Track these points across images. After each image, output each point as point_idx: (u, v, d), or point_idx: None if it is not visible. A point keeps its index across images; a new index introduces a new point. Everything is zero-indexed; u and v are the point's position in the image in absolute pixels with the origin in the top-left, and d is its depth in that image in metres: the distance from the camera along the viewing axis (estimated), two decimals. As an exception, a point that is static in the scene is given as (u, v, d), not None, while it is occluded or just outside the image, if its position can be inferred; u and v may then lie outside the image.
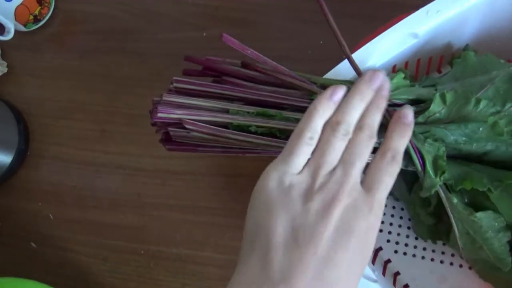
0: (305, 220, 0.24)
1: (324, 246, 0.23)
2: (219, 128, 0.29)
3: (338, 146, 0.26)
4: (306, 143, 0.26)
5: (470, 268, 0.41)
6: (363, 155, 0.26)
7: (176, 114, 0.28)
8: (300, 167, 0.26)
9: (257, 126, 0.29)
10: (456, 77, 0.36)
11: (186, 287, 0.49)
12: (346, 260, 0.23)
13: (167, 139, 0.30)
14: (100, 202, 0.53)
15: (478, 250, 0.32)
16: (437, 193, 0.31)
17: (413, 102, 0.33)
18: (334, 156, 0.26)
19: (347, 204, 0.24)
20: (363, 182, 0.26)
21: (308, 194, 0.25)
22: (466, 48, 0.40)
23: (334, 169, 0.25)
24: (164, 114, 0.28)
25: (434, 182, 0.30)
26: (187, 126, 0.28)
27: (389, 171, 0.26)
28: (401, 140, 0.27)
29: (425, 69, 0.43)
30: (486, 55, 0.36)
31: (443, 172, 0.30)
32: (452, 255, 0.41)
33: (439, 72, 0.45)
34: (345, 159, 0.26)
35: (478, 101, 0.30)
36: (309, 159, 0.26)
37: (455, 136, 0.31)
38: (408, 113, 0.28)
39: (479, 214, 0.30)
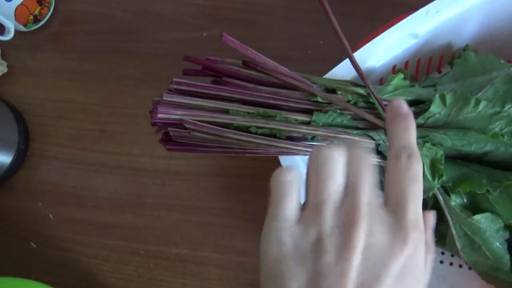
0: (324, 280, 0.19)
1: None
2: (219, 128, 0.29)
3: (334, 168, 0.20)
4: (289, 181, 0.21)
5: (470, 268, 0.41)
6: (370, 169, 0.21)
7: (176, 115, 0.28)
8: (295, 214, 0.21)
9: (257, 127, 0.29)
10: (456, 77, 0.36)
11: (186, 287, 0.49)
12: None
13: (167, 139, 0.30)
14: (100, 202, 0.53)
15: (477, 251, 0.32)
16: (434, 195, 0.31)
17: (413, 103, 0.33)
18: (333, 183, 0.20)
19: (370, 242, 0.19)
20: (385, 203, 0.21)
21: (318, 246, 0.19)
22: (466, 48, 0.40)
23: (340, 198, 0.20)
24: (164, 114, 0.28)
25: (432, 185, 0.30)
26: (187, 126, 0.28)
27: (412, 176, 0.21)
28: (409, 134, 0.22)
29: (425, 69, 0.43)
30: (486, 55, 0.36)
31: (441, 176, 0.30)
32: (452, 255, 0.41)
33: (439, 72, 0.45)
34: (350, 184, 0.20)
35: (477, 102, 0.30)
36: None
37: (453, 141, 0.31)
38: (401, 102, 0.24)
39: (477, 217, 0.30)
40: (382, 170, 0.39)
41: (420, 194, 0.21)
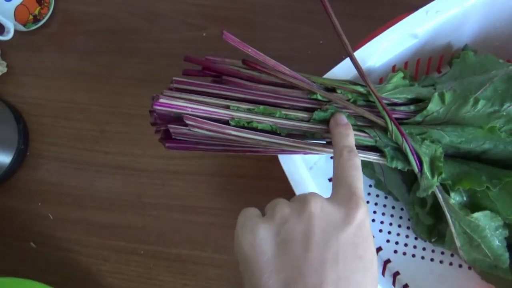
0: (291, 243, 0.23)
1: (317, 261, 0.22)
2: (220, 124, 0.29)
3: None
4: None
5: (469, 268, 0.41)
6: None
7: (178, 102, 0.28)
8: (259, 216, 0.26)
9: (258, 122, 0.29)
10: (455, 76, 0.36)
11: (186, 287, 0.49)
12: (344, 271, 0.22)
13: (166, 137, 0.30)
14: (100, 202, 0.53)
15: (476, 249, 0.32)
16: (433, 193, 0.31)
17: (412, 101, 0.33)
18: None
19: (324, 213, 0.24)
20: (333, 194, 0.26)
21: (282, 221, 0.24)
22: (465, 48, 0.40)
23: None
24: (166, 100, 0.28)
25: (431, 183, 0.30)
26: (187, 122, 0.28)
27: (352, 165, 0.26)
28: (348, 137, 0.28)
29: (424, 69, 0.43)
30: (485, 55, 0.36)
31: (440, 173, 0.30)
32: (452, 255, 0.41)
33: (439, 72, 0.45)
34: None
35: (476, 101, 0.30)
36: None
37: (451, 137, 0.31)
38: (341, 116, 0.30)
39: (476, 215, 0.30)
40: (380, 167, 0.39)
41: (361, 179, 0.26)
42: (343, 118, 0.30)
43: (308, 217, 0.23)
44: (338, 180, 0.26)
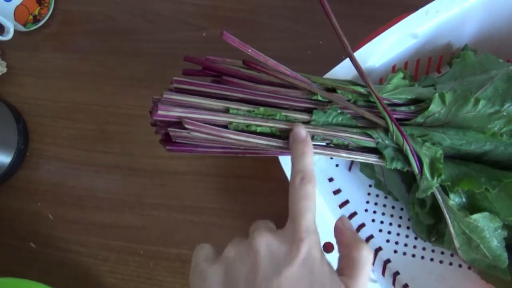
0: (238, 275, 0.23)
1: None
2: (219, 128, 0.29)
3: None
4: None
5: (469, 268, 0.41)
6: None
7: (176, 112, 0.28)
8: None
9: (257, 125, 0.29)
10: (455, 76, 0.36)
11: (186, 287, 0.49)
12: None
13: (167, 140, 0.30)
14: (100, 203, 0.53)
15: (475, 249, 0.32)
16: (433, 193, 0.32)
17: (413, 101, 0.33)
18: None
19: (270, 249, 0.23)
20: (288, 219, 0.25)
21: (229, 262, 0.24)
22: (465, 48, 0.40)
23: None
24: (164, 111, 0.28)
25: (431, 184, 0.30)
26: (187, 126, 0.28)
27: (303, 195, 0.24)
28: (304, 158, 0.26)
29: (424, 69, 0.43)
30: (485, 55, 0.36)
31: (440, 175, 0.30)
32: (452, 255, 0.41)
33: (439, 72, 0.45)
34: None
35: (477, 101, 0.30)
36: None
37: (452, 140, 0.31)
38: (299, 130, 0.28)
39: (475, 216, 0.30)
40: (380, 168, 0.39)
41: (312, 208, 0.24)
42: (300, 132, 0.28)
43: (253, 256, 0.23)
44: (289, 210, 0.25)
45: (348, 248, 0.25)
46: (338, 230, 0.26)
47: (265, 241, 0.23)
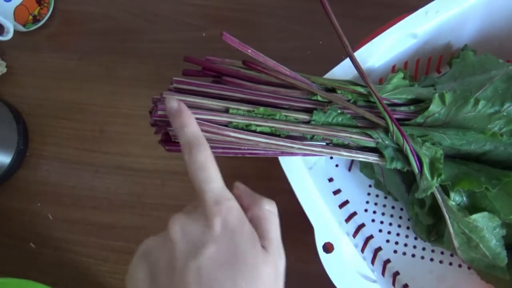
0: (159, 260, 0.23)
1: None
2: (219, 126, 0.29)
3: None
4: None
5: (469, 268, 0.41)
6: None
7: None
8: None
9: (257, 125, 0.29)
10: (455, 76, 0.36)
11: (186, 287, 0.49)
12: None
13: (166, 140, 0.30)
14: (100, 203, 0.53)
15: (474, 249, 0.32)
16: (432, 193, 0.32)
17: (412, 101, 0.33)
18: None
19: (185, 230, 0.23)
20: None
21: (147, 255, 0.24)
22: (464, 48, 0.40)
23: None
24: (164, 111, 0.28)
25: (431, 184, 0.30)
26: (186, 125, 0.28)
27: (196, 166, 0.24)
28: (185, 130, 0.25)
29: (424, 69, 0.43)
30: (485, 55, 0.36)
31: (440, 175, 0.30)
32: (451, 255, 0.41)
33: (438, 72, 0.45)
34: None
35: (477, 102, 0.30)
36: None
37: (452, 140, 0.31)
38: (169, 103, 0.26)
39: (474, 216, 0.30)
40: (379, 168, 0.39)
41: (210, 176, 0.23)
42: (171, 105, 0.26)
43: (169, 244, 0.23)
44: (194, 187, 0.24)
45: (250, 210, 0.24)
46: (237, 198, 0.25)
47: (180, 225, 0.23)
